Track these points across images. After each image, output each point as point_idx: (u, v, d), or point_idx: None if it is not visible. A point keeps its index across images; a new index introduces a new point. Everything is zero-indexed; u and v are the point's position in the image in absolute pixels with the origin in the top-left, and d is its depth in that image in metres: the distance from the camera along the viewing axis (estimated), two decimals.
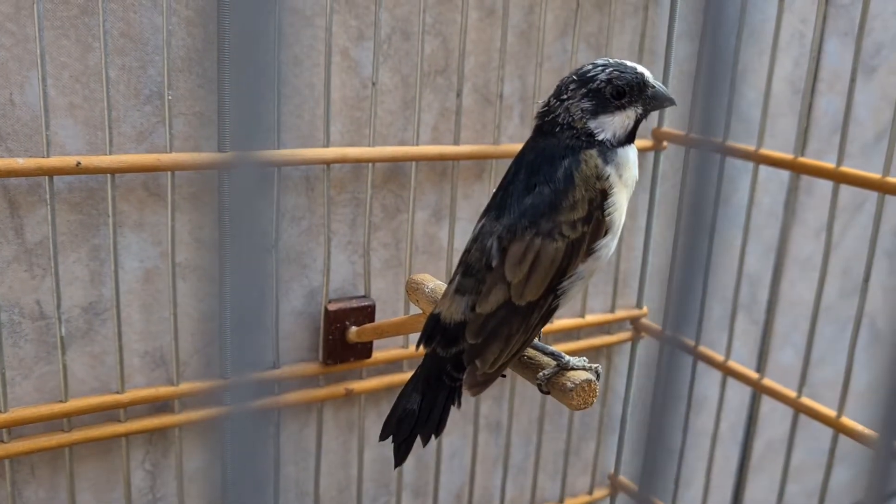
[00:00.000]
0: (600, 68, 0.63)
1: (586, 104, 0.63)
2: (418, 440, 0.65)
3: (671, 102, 0.65)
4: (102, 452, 0.84)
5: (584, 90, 0.63)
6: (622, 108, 0.63)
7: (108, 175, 0.76)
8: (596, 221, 0.61)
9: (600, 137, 0.63)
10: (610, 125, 0.63)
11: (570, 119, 0.63)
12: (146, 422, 0.84)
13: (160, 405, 0.85)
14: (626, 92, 0.63)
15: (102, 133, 0.76)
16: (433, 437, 0.64)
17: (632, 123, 0.64)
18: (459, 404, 0.65)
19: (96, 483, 0.84)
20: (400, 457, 0.65)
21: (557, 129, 0.63)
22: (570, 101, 0.63)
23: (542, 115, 0.65)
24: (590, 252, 0.61)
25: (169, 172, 0.79)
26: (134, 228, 0.80)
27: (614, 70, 0.63)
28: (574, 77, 0.64)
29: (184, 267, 0.83)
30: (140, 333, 0.83)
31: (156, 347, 0.84)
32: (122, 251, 0.80)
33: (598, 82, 0.62)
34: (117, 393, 0.82)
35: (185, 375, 0.85)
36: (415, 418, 0.64)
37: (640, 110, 0.64)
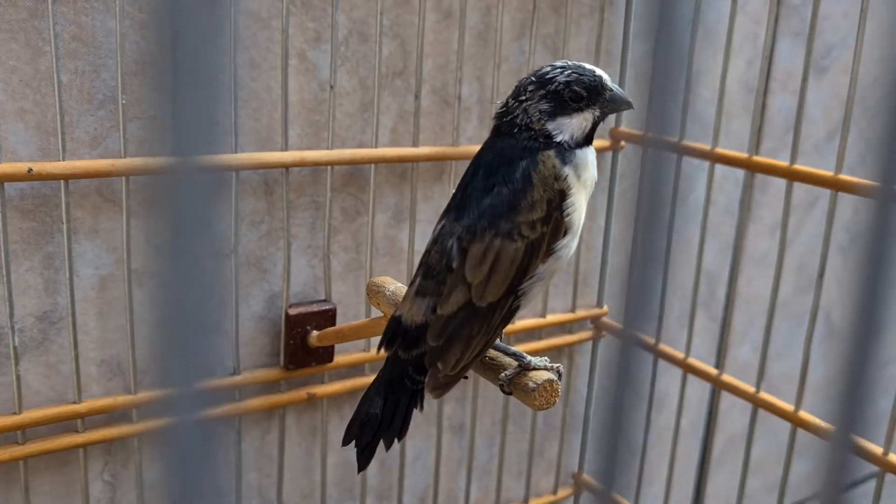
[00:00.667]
0: (559, 70, 0.63)
1: (544, 106, 0.63)
2: (381, 444, 0.64)
3: (628, 106, 0.65)
4: (59, 465, 0.82)
5: (542, 91, 0.63)
6: (580, 110, 0.63)
7: (62, 181, 0.75)
8: (555, 222, 0.61)
9: (558, 139, 0.63)
10: (568, 127, 0.63)
11: (528, 120, 0.63)
12: (104, 432, 0.82)
13: (118, 414, 0.84)
14: (584, 95, 0.63)
15: (55, 138, 0.75)
16: (396, 440, 0.64)
17: (589, 126, 0.64)
18: (422, 407, 0.65)
19: (53, 496, 0.82)
20: (363, 462, 0.64)
21: (515, 130, 0.63)
22: (529, 103, 0.63)
23: (500, 116, 0.65)
24: (550, 252, 0.62)
25: (124, 178, 0.77)
26: (88, 235, 0.79)
27: (573, 72, 0.63)
28: (532, 78, 0.64)
29: (140, 273, 0.82)
30: (96, 342, 0.81)
31: (113, 356, 0.82)
32: (76, 258, 0.79)
33: (556, 84, 0.63)
34: (74, 403, 0.80)
35: (144, 384, 0.84)
36: (378, 422, 0.64)
37: (597, 113, 0.64)
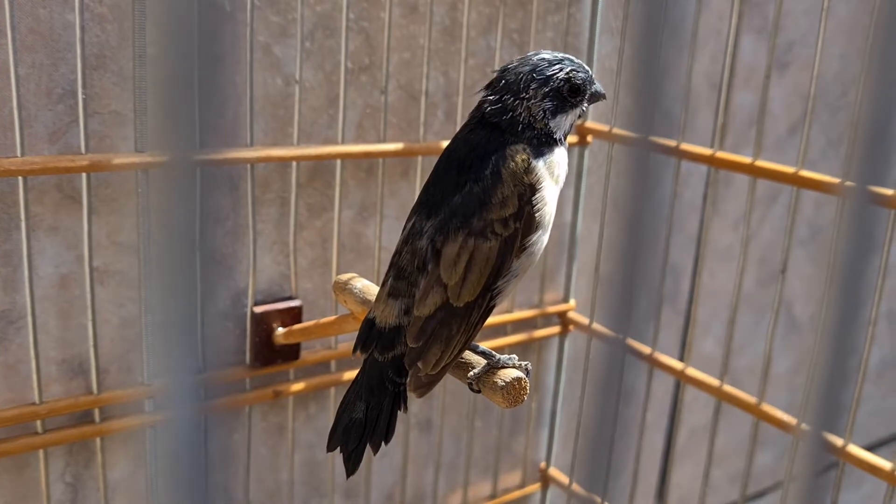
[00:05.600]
0: (557, 67, 0.63)
1: (548, 104, 0.63)
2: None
3: (604, 97, 0.66)
4: (18, 467, 0.80)
5: (545, 90, 0.63)
6: (574, 106, 0.64)
7: (20, 177, 0.73)
8: (527, 217, 0.61)
9: (556, 136, 0.63)
10: (563, 123, 0.64)
11: (531, 119, 0.63)
12: (65, 433, 0.80)
13: (80, 415, 0.82)
14: (580, 90, 0.63)
15: (12, 133, 0.73)
16: (384, 444, 0.64)
17: (576, 119, 0.65)
18: (406, 408, 0.64)
19: (12, 500, 0.81)
20: (351, 468, 0.64)
21: (519, 129, 0.63)
22: (532, 101, 0.63)
23: (497, 113, 0.63)
24: (522, 248, 0.62)
25: (85, 174, 0.76)
26: (48, 232, 0.77)
27: (572, 69, 0.63)
28: (534, 75, 0.63)
29: (101, 272, 0.80)
30: (57, 341, 0.80)
31: (74, 355, 0.81)
32: (36, 256, 0.77)
33: (558, 81, 0.62)
34: (34, 404, 0.78)
35: (106, 384, 0.83)
36: (363, 427, 0.63)
37: (584, 107, 0.65)
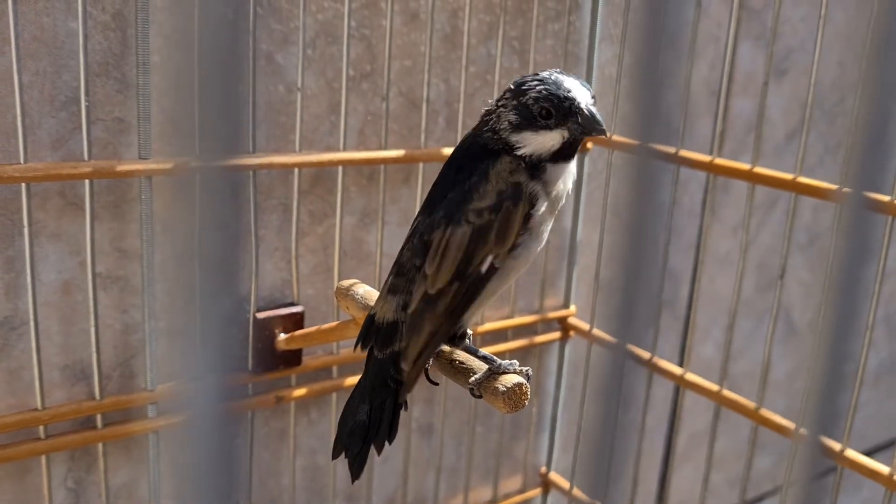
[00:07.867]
0: (536, 83, 0.62)
1: (512, 117, 0.63)
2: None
3: (600, 132, 0.62)
4: (20, 472, 0.81)
5: (514, 102, 0.63)
6: (548, 128, 0.62)
7: (23, 184, 0.74)
8: (505, 211, 0.61)
9: (520, 152, 0.63)
10: (532, 142, 0.62)
11: (498, 125, 0.63)
12: (68, 438, 0.81)
13: (82, 421, 0.83)
14: (552, 114, 0.62)
15: (15, 140, 0.73)
16: (387, 444, 0.64)
17: (557, 145, 0.63)
18: (406, 406, 0.65)
19: None
20: (356, 471, 0.64)
21: (485, 129, 0.64)
22: (503, 110, 0.63)
23: (485, 113, 0.66)
24: (511, 248, 0.62)
25: (87, 181, 0.76)
26: (51, 238, 0.78)
27: (545, 89, 0.61)
28: (512, 86, 0.64)
29: (104, 278, 0.80)
30: (59, 347, 0.80)
31: (76, 361, 0.81)
32: (38, 262, 0.77)
33: (527, 98, 0.62)
34: (36, 410, 0.79)
35: (108, 389, 0.83)
36: (366, 429, 0.63)
37: (566, 134, 0.62)
